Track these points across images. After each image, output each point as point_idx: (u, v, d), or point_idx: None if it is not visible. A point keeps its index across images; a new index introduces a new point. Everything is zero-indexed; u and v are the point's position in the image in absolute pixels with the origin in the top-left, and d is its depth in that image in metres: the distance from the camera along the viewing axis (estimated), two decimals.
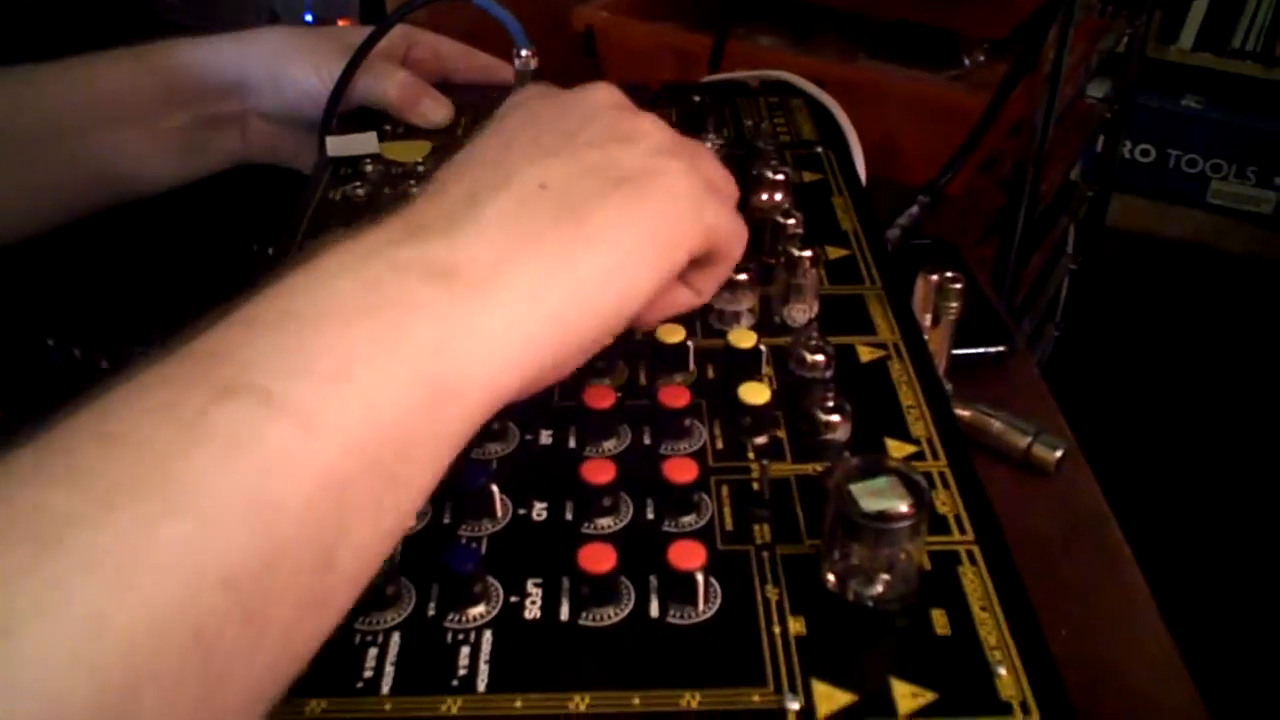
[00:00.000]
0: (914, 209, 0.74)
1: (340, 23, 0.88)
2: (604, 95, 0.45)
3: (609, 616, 0.38)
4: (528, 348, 0.37)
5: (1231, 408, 1.77)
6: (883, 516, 0.36)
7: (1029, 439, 0.61)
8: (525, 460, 0.45)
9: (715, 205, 0.43)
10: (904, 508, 0.36)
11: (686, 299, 0.45)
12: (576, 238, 0.38)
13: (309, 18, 0.90)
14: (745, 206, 0.58)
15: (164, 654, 0.26)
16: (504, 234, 0.37)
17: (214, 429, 0.29)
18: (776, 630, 0.37)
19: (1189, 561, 1.31)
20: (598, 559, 0.38)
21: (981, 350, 0.68)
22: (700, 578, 0.38)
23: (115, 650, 0.25)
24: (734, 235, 0.45)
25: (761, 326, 0.51)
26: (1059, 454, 0.60)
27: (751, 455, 0.45)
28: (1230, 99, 2.18)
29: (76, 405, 0.29)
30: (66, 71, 0.66)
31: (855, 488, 0.37)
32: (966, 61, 0.90)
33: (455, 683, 0.36)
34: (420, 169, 0.63)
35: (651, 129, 0.43)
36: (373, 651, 0.37)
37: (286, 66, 0.66)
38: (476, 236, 0.37)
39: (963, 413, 0.62)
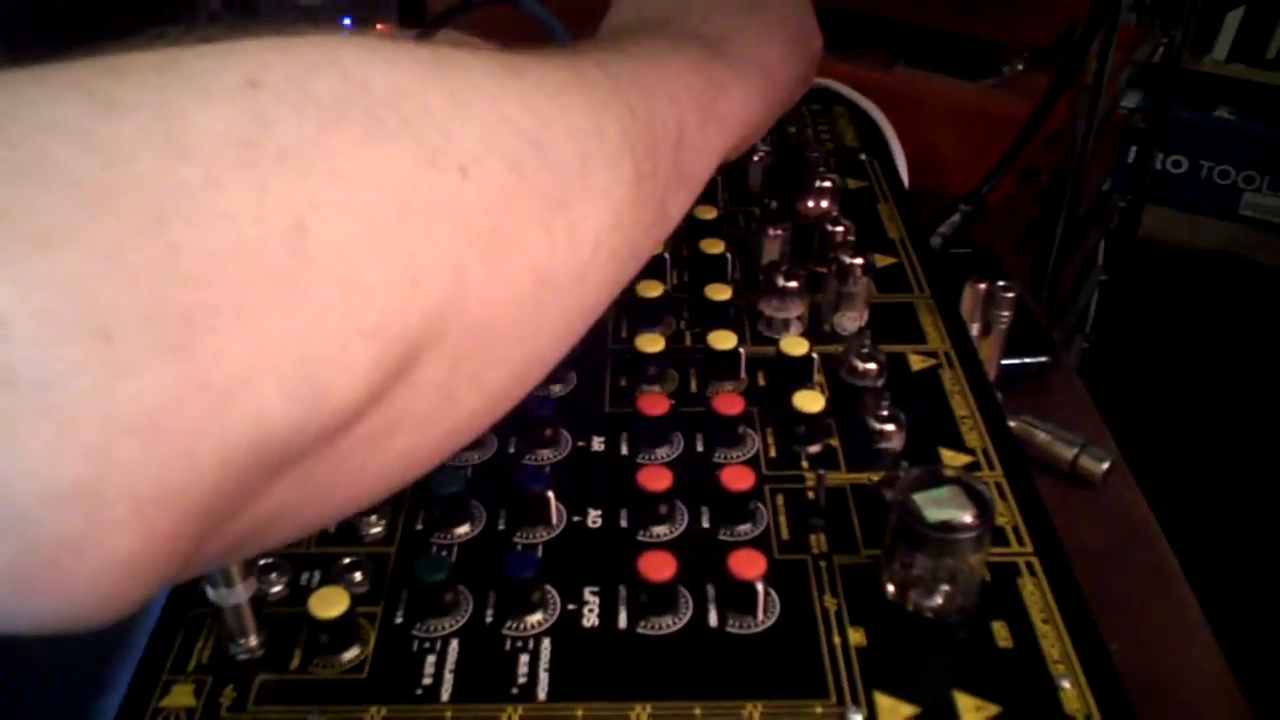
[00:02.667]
0: (955, 217, 0.73)
1: (379, 27, 0.88)
2: None
3: (667, 625, 0.38)
4: (755, 97, 0.47)
5: (1268, 419, 1.76)
6: (947, 527, 0.36)
7: (1075, 450, 0.60)
8: (579, 467, 0.45)
9: None
10: (968, 518, 0.36)
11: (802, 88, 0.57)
12: (769, 22, 0.50)
13: (347, 22, 0.90)
14: (793, 213, 0.58)
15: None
16: (729, 16, 0.48)
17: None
18: (836, 641, 0.37)
19: (1235, 574, 1.30)
20: (658, 567, 0.38)
21: (1025, 360, 0.67)
22: (761, 587, 0.38)
23: None
24: None
25: (811, 334, 0.51)
26: (1106, 466, 0.60)
27: (805, 464, 0.44)
28: (1264, 110, 2.16)
29: None
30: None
31: (919, 497, 0.36)
32: (1005, 70, 0.89)
33: (515, 690, 0.36)
34: None
35: None
36: (431, 658, 0.37)
37: None
38: (708, 20, 0.47)
39: (1008, 424, 0.61)
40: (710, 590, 0.39)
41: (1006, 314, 0.55)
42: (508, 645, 0.37)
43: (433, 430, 0.29)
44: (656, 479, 0.41)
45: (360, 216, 0.24)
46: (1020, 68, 0.89)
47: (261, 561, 0.39)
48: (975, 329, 0.56)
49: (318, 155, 0.24)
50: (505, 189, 0.29)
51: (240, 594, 0.36)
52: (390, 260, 0.25)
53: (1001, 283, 0.54)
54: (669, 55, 0.41)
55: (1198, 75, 2.08)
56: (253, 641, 0.37)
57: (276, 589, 0.39)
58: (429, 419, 0.28)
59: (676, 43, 0.43)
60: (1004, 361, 0.61)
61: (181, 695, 0.36)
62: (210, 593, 0.36)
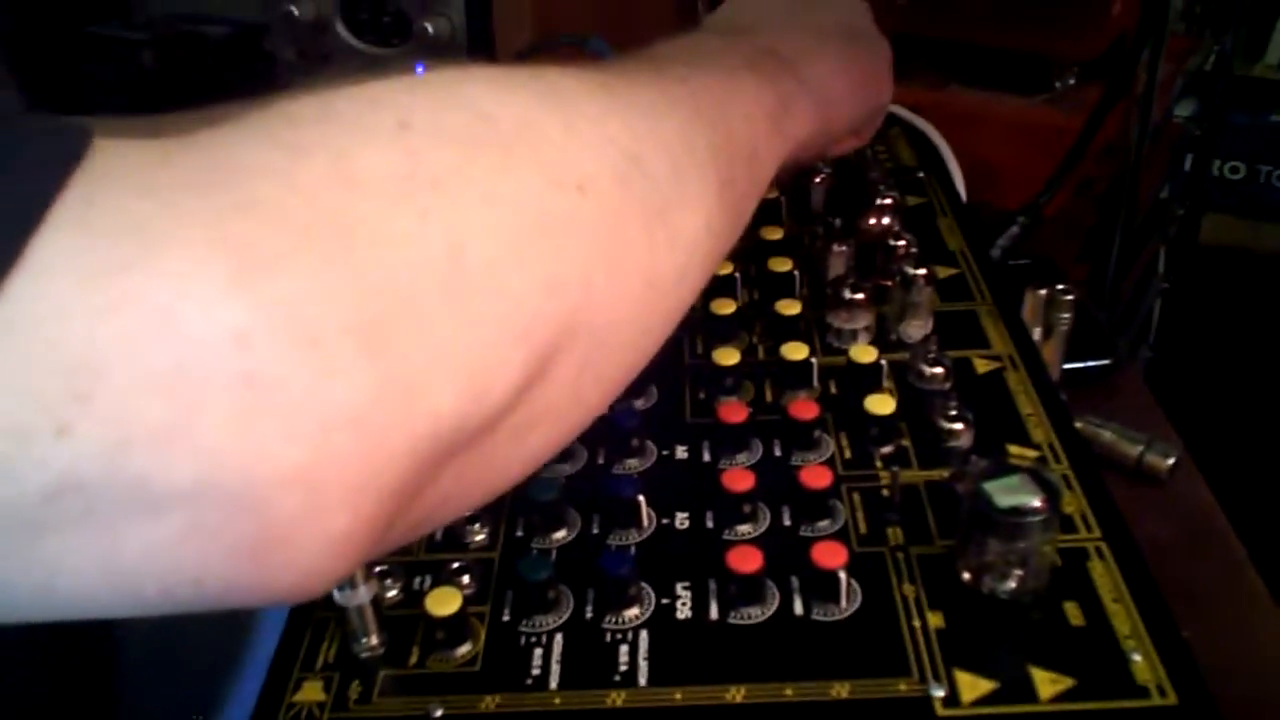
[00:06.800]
0: (1014, 229, 0.76)
1: None
2: None
3: (756, 615, 0.40)
4: (814, 118, 0.50)
5: None
6: (1017, 511, 0.38)
7: (1141, 448, 0.62)
8: (665, 474, 0.47)
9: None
10: (1037, 502, 0.38)
11: (855, 141, 0.62)
12: (844, 59, 0.54)
13: (420, 69, 0.94)
14: (856, 230, 0.60)
15: None
16: (805, 41, 0.52)
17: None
18: (916, 624, 0.40)
19: None
20: (746, 559, 0.40)
21: (1087, 364, 0.69)
22: (843, 576, 0.40)
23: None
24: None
25: (878, 343, 0.54)
26: (1171, 461, 0.61)
27: (879, 463, 0.47)
28: None
29: None
30: (197, 124, 0.69)
31: (989, 485, 0.39)
32: (1057, 85, 0.91)
33: (617, 678, 0.39)
34: None
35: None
36: (538, 651, 0.40)
37: None
38: (787, 40, 0.51)
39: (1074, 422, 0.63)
40: (795, 581, 0.41)
41: (1067, 316, 0.57)
42: (608, 638, 0.40)
43: (563, 423, 0.32)
44: (740, 480, 0.44)
45: (504, 234, 0.28)
46: (1071, 82, 0.91)
47: (378, 568, 0.42)
48: (1037, 333, 0.58)
49: (463, 183, 0.28)
50: (616, 202, 0.32)
51: (363, 595, 0.40)
52: (531, 272, 0.29)
53: (1060, 286, 0.56)
54: (746, 73, 0.45)
55: (1252, 81, 2.07)
56: (374, 640, 0.41)
57: (392, 593, 0.43)
58: (561, 413, 0.32)
59: (755, 58, 0.47)
60: (1066, 366, 0.63)
61: (312, 690, 0.39)
62: (336, 595, 0.40)
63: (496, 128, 0.30)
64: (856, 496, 0.45)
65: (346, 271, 0.25)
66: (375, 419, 0.25)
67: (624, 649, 0.40)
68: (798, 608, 0.41)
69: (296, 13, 1.01)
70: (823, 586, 0.40)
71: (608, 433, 0.48)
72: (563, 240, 0.30)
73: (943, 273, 0.59)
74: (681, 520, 0.45)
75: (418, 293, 0.26)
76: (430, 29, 0.93)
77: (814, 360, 0.51)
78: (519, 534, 0.45)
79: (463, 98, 0.31)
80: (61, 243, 0.22)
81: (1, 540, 0.23)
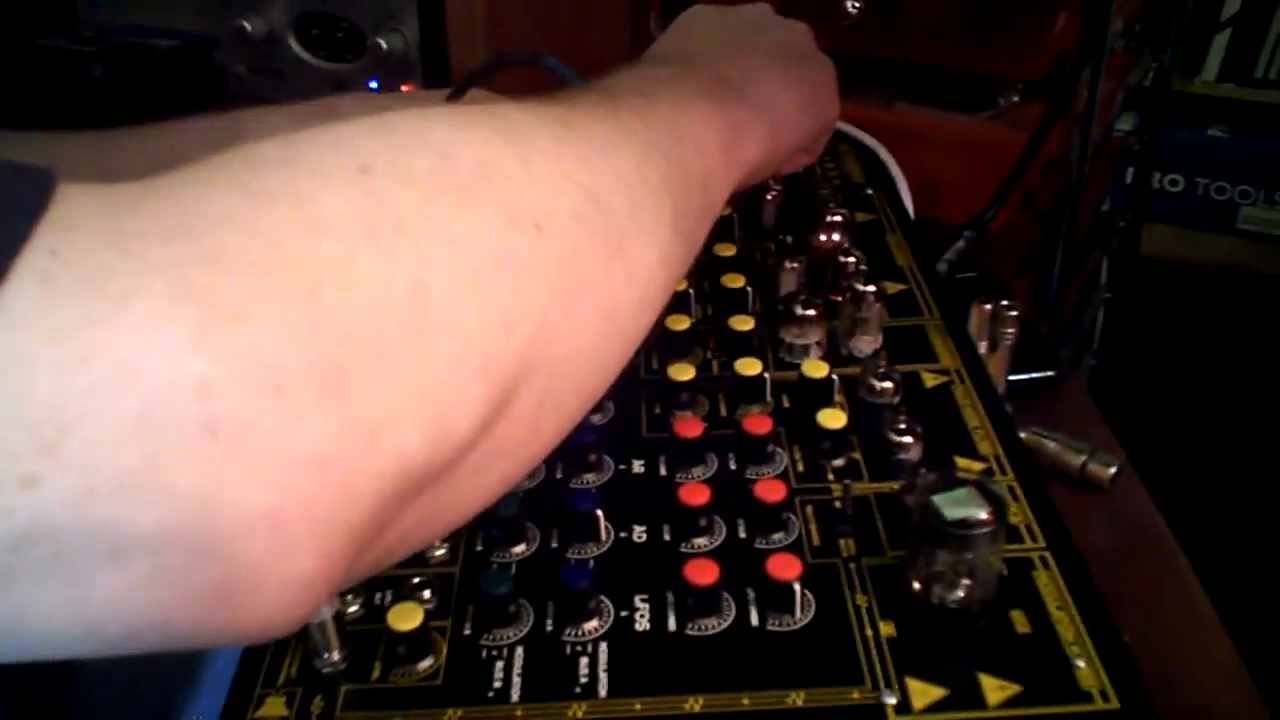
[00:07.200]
0: (960, 243, 0.77)
1: (404, 88, 0.93)
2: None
3: (713, 626, 0.41)
4: (764, 140, 0.51)
5: (1271, 426, 1.79)
6: (964, 523, 0.39)
7: (1084, 457, 0.63)
8: (622, 488, 0.48)
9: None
10: (984, 515, 0.40)
11: (806, 158, 0.63)
12: (790, 79, 0.55)
13: (374, 84, 0.95)
14: (807, 247, 0.62)
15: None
16: (752, 64, 0.53)
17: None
18: (869, 633, 0.41)
19: (1242, 572, 1.32)
20: (702, 572, 0.41)
21: (1032, 376, 0.71)
22: (798, 588, 0.41)
23: None
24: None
25: (830, 358, 0.55)
26: (1114, 470, 0.63)
27: (831, 476, 0.48)
28: (1255, 128, 2.21)
29: None
30: (151, 138, 0.68)
31: (938, 498, 0.40)
32: (1001, 102, 0.93)
33: (578, 689, 0.39)
34: None
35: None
36: (500, 664, 0.41)
37: None
38: (734, 64, 0.52)
39: (1019, 434, 0.65)
40: (750, 593, 0.42)
41: (1011, 331, 0.58)
42: (568, 650, 0.41)
43: (523, 454, 0.33)
44: (696, 495, 0.45)
45: (464, 273, 0.29)
46: (1015, 99, 0.94)
47: None
48: (983, 347, 0.59)
49: (425, 223, 0.28)
50: (573, 240, 0.33)
51: (325, 611, 0.40)
52: (489, 311, 0.29)
53: (1005, 302, 0.58)
54: (697, 100, 0.45)
55: (1189, 96, 2.13)
56: (336, 656, 0.41)
57: (354, 608, 0.43)
58: (520, 445, 0.33)
59: (705, 85, 0.48)
60: (1012, 377, 0.65)
61: (274, 706, 0.40)
62: None
63: (456, 167, 0.31)
64: (809, 509, 0.46)
65: (311, 316, 0.25)
66: (340, 461, 0.25)
67: (584, 661, 0.41)
68: (754, 619, 0.42)
69: (249, 27, 1.01)
70: (778, 598, 0.41)
71: (565, 448, 0.48)
72: (520, 278, 0.31)
73: (891, 288, 0.60)
74: (639, 534, 0.46)
75: (382, 334, 0.27)
76: (384, 45, 0.94)
77: (767, 375, 0.52)
78: (479, 548, 0.46)
79: (423, 138, 0.31)
80: (27, 294, 0.22)
81: None
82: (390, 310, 0.27)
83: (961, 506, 0.40)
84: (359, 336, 0.26)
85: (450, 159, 0.31)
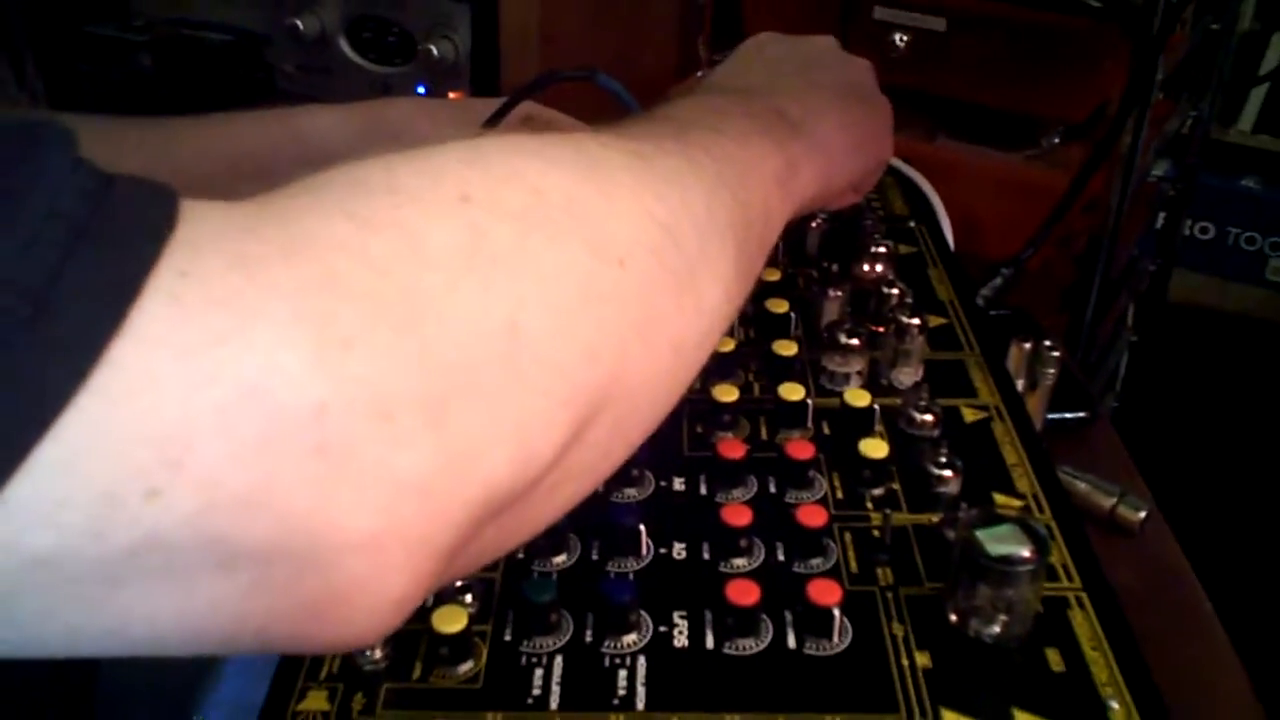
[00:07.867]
0: (998, 280, 0.78)
1: (451, 95, 0.94)
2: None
3: (751, 647, 0.42)
4: (819, 177, 0.51)
5: None
6: (1008, 560, 0.40)
7: (1114, 500, 0.64)
8: (663, 505, 0.49)
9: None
10: (1026, 552, 0.40)
11: (854, 196, 0.63)
12: (848, 119, 0.55)
13: (421, 89, 0.96)
14: (850, 276, 0.62)
15: None
16: (812, 102, 0.53)
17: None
18: (905, 663, 0.41)
19: (1265, 616, 1.33)
20: (744, 593, 0.42)
21: (1065, 415, 0.71)
22: (837, 613, 0.42)
23: None
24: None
25: (870, 387, 0.55)
26: (1143, 515, 0.64)
27: (870, 505, 0.49)
28: None
29: None
30: (206, 128, 0.68)
31: (981, 533, 0.41)
32: (1043, 143, 0.94)
33: (616, 701, 0.40)
34: None
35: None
36: (539, 671, 0.41)
37: (419, 135, 0.71)
38: (796, 100, 0.52)
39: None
40: (788, 616, 0.43)
41: (1052, 371, 0.59)
42: (607, 662, 0.42)
43: (592, 477, 0.34)
44: (738, 516, 0.45)
45: (554, 307, 0.30)
46: (1055, 140, 0.94)
47: None
48: (1021, 384, 0.60)
49: (520, 257, 0.29)
50: (650, 274, 0.34)
51: None
52: (576, 343, 0.30)
53: (1047, 343, 0.59)
54: (759, 136, 0.46)
55: (1225, 145, 2.13)
56: (378, 654, 0.42)
57: None
58: (591, 469, 0.34)
59: (767, 120, 0.48)
60: (1047, 416, 0.66)
61: (316, 700, 0.40)
62: None
63: (547, 202, 0.32)
64: (848, 536, 0.47)
65: (417, 345, 0.26)
66: (439, 487, 0.26)
67: (622, 673, 0.41)
68: (790, 641, 0.42)
69: (301, 26, 1.02)
70: (817, 622, 0.42)
71: None
72: (604, 311, 0.32)
73: (933, 322, 0.61)
74: (679, 550, 0.47)
75: (479, 365, 0.28)
76: (435, 51, 0.95)
77: (810, 401, 0.53)
78: (520, 556, 0.46)
79: (517, 171, 0.32)
80: (158, 313, 0.23)
81: (80, 590, 0.24)
82: (487, 341, 0.28)
83: (1004, 543, 0.40)
84: (459, 366, 0.27)
85: (541, 193, 0.32)
